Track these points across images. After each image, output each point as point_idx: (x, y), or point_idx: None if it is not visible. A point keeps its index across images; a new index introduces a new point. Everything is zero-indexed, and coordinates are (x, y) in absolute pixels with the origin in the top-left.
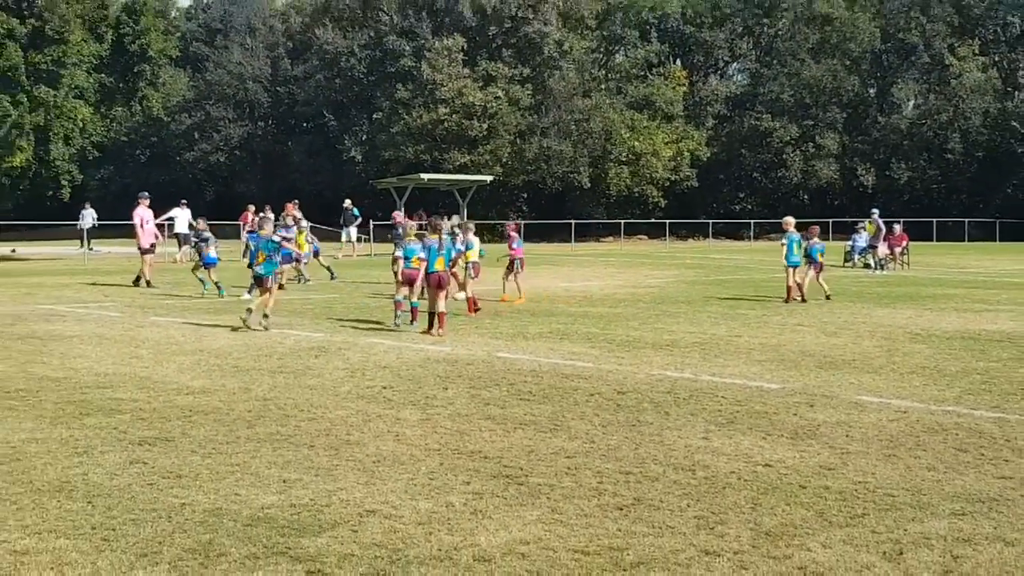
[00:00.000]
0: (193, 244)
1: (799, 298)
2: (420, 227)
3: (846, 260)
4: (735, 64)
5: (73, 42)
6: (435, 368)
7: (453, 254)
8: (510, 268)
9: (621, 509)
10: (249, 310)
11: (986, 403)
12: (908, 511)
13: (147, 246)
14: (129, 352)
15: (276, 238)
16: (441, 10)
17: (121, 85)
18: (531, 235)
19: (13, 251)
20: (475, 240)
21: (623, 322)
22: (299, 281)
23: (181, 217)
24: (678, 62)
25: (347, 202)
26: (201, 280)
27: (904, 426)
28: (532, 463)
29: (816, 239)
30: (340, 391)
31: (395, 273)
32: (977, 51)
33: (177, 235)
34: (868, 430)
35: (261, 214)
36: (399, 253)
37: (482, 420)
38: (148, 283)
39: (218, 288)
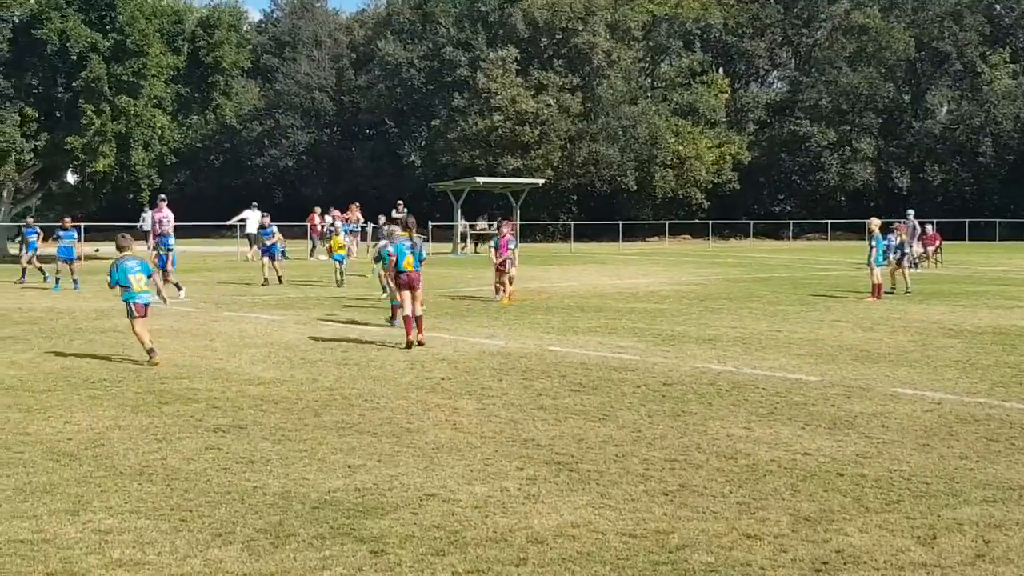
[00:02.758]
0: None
1: (892, 290)
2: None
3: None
4: (775, 72)
5: (152, 55)
6: (490, 361)
7: (424, 256)
8: (502, 268)
9: (667, 495)
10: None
11: (1017, 395)
12: (941, 498)
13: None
14: (204, 345)
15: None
16: (495, 23)
17: (196, 95)
18: (580, 235)
19: (96, 250)
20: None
21: (668, 317)
22: (337, 284)
23: (252, 218)
24: (720, 70)
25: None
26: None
27: (937, 417)
28: (582, 451)
29: (900, 236)
30: (401, 382)
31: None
32: (1008, 59)
33: (248, 235)
34: (903, 421)
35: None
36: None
37: (535, 410)
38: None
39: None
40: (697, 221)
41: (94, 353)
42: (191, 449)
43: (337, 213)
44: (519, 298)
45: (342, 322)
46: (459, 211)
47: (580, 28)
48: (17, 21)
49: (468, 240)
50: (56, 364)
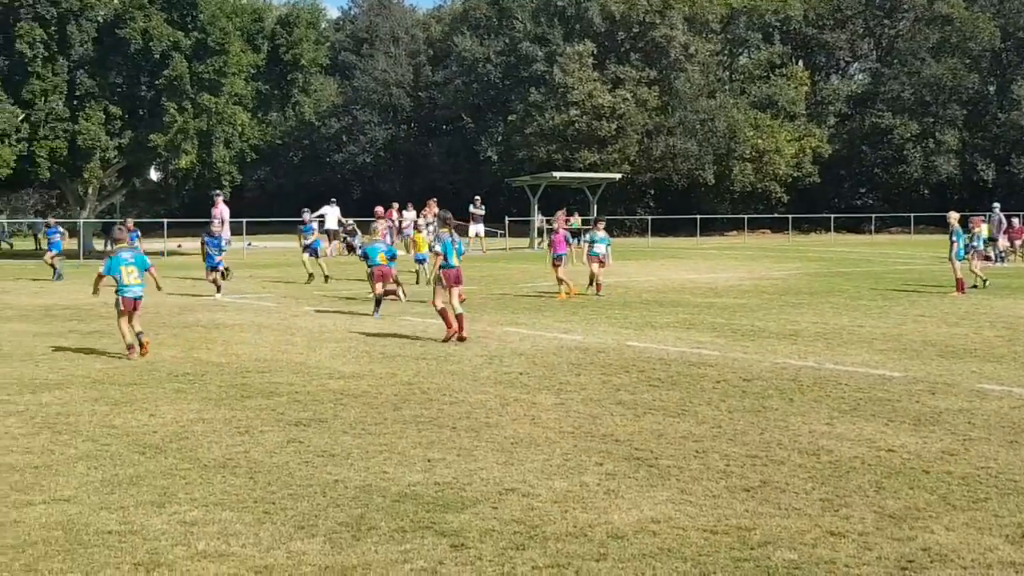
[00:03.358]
0: (342, 239)
1: (974, 286)
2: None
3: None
4: (856, 64)
5: (233, 53)
6: (568, 356)
7: (464, 250)
8: (558, 264)
9: (748, 491)
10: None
11: None
12: None
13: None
14: (285, 339)
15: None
16: (572, 17)
17: (276, 92)
18: (658, 230)
19: (179, 246)
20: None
21: (748, 312)
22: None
23: (331, 214)
24: (800, 63)
25: (476, 199)
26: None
27: None
28: (662, 446)
29: (980, 228)
30: (479, 376)
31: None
32: None
33: (327, 231)
34: (990, 417)
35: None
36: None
37: (613, 405)
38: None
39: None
40: (776, 215)
41: (178, 347)
42: (273, 442)
43: (432, 204)
44: (577, 295)
45: (420, 317)
46: (536, 206)
47: (657, 21)
48: (102, 21)
49: (545, 235)
50: (142, 358)
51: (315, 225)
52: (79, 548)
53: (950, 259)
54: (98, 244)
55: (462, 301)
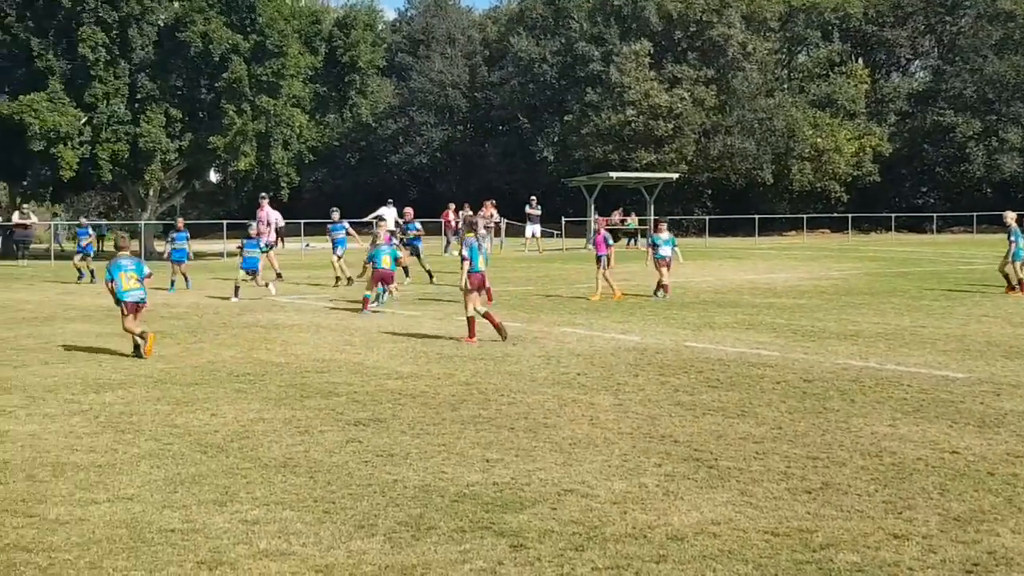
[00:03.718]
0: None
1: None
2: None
3: None
4: (917, 61)
5: (291, 55)
6: (626, 356)
7: (488, 255)
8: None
9: (809, 493)
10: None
11: None
12: None
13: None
14: (343, 340)
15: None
16: (628, 17)
17: (333, 94)
18: (716, 229)
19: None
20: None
21: (807, 313)
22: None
23: (388, 215)
24: (860, 60)
25: (532, 199)
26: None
27: None
28: (721, 447)
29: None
30: (537, 377)
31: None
32: None
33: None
34: None
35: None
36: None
37: (672, 406)
38: (279, 275)
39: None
40: (836, 215)
41: (238, 347)
42: (333, 442)
43: (489, 205)
44: (612, 297)
45: (477, 317)
46: (592, 206)
47: (715, 20)
48: (162, 24)
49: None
50: (202, 358)
51: (346, 224)
52: (142, 546)
53: (1007, 259)
54: (159, 246)
55: (490, 301)
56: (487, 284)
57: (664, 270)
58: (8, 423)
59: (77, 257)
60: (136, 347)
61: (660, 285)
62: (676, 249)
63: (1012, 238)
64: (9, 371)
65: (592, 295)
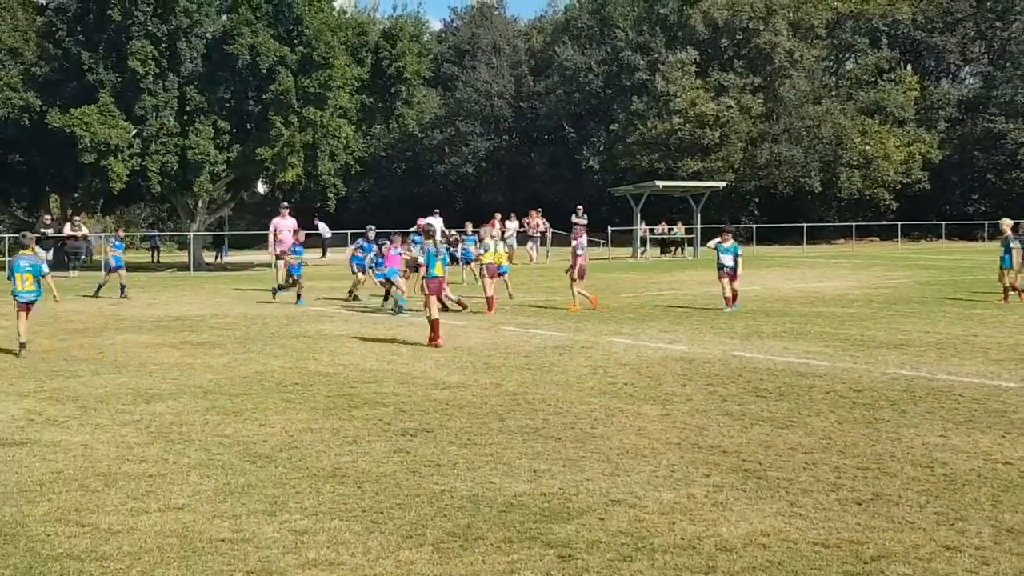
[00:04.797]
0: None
1: None
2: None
3: None
4: (967, 68)
5: (337, 67)
6: (673, 366)
7: (448, 261)
8: (580, 275)
9: (860, 504)
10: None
11: None
12: None
13: (277, 252)
14: (390, 350)
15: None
16: (674, 25)
17: (380, 105)
18: (763, 238)
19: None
20: (491, 243)
21: (857, 322)
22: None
23: (436, 225)
24: (909, 67)
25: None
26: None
27: None
28: (770, 458)
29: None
30: (584, 387)
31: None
32: None
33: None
34: None
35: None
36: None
37: (720, 416)
38: (275, 290)
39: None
40: (885, 222)
41: (286, 358)
42: (380, 452)
43: (535, 215)
44: (598, 306)
45: (524, 328)
46: (638, 215)
47: (761, 28)
48: (210, 38)
49: (648, 244)
50: (250, 368)
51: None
52: (193, 556)
53: (1002, 268)
54: (208, 257)
55: (463, 308)
56: (445, 289)
57: (725, 281)
58: (60, 433)
59: (112, 272)
60: (22, 345)
61: (725, 298)
62: (738, 258)
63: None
64: (60, 382)
65: (570, 306)
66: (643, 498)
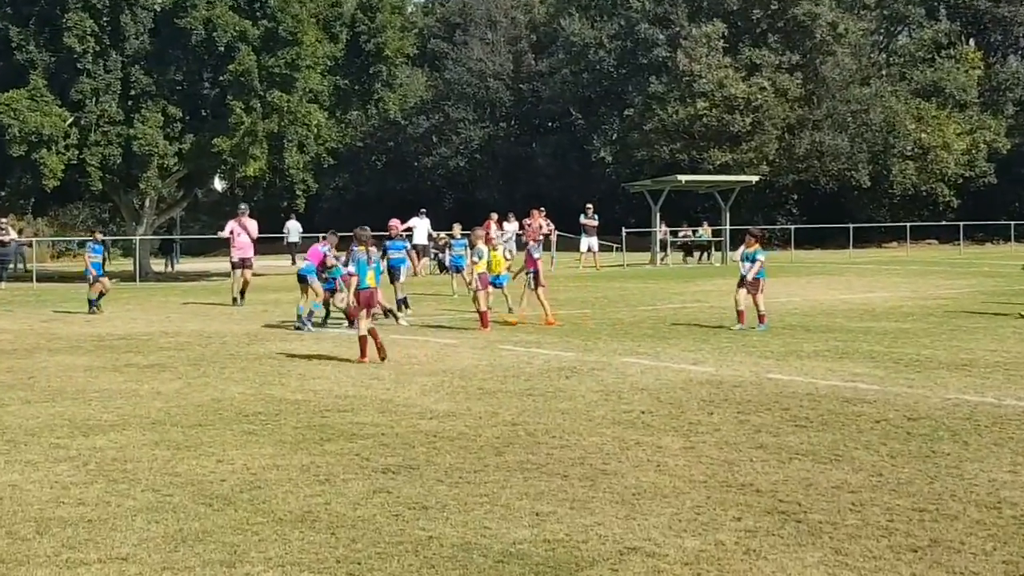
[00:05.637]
0: (433, 256)
1: None
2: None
3: None
4: None
5: (307, 43)
6: (698, 391)
7: (382, 269)
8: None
9: (915, 551)
10: None
11: None
12: None
13: (236, 260)
14: (369, 373)
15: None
16: None
17: (356, 87)
18: (803, 241)
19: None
20: (485, 249)
21: (912, 339)
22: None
23: (420, 227)
24: (971, 42)
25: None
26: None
27: None
28: (811, 498)
29: None
30: (594, 416)
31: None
32: None
33: (416, 247)
34: None
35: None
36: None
37: (753, 449)
38: (235, 300)
39: None
40: (944, 222)
41: (248, 382)
42: (357, 492)
43: (537, 215)
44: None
45: (524, 347)
46: (657, 215)
47: None
48: (159, 10)
49: (668, 249)
50: (206, 395)
51: (406, 244)
52: None
53: None
54: (156, 265)
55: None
56: (380, 299)
57: (741, 293)
58: None
59: (94, 281)
60: None
61: (738, 311)
62: (753, 265)
63: None
64: None
65: (544, 319)
66: (663, 545)
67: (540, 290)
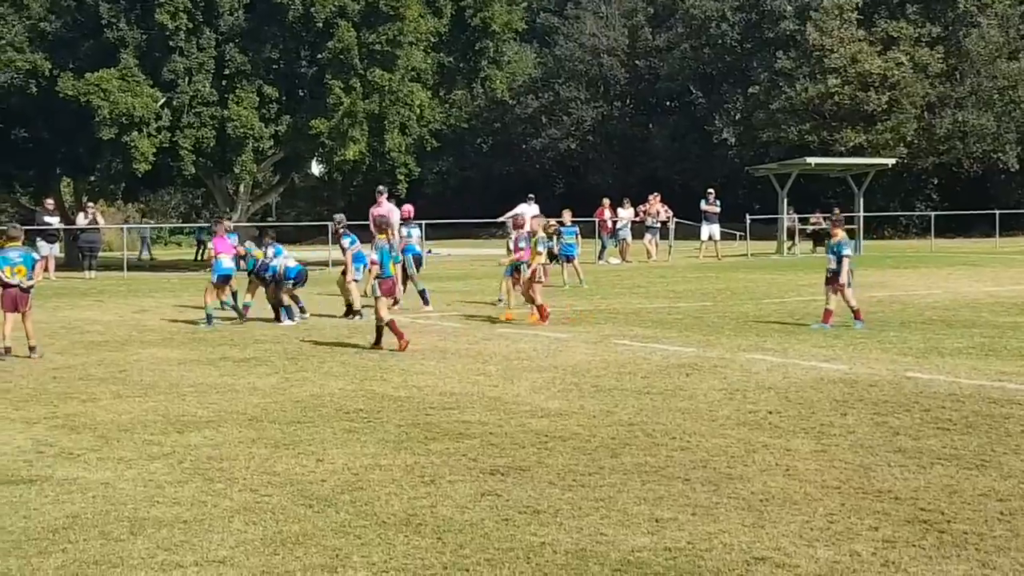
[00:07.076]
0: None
1: None
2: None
3: None
4: None
5: (409, 18)
6: (830, 390)
7: (400, 259)
8: (532, 276)
9: None
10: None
11: None
12: None
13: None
14: (475, 368)
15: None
16: None
17: (461, 65)
18: (943, 229)
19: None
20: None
21: None
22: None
23: (528, 213)
24: None
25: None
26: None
27: None
28: (955, 506)
29: None
30: (717, 416)
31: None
32: None
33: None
34: None
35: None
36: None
37: (890, 453)
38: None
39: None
40: None
41: (348, 377)
42: (464, 495)
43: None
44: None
45: (641, 342)
46: (784, 200)
47: None
48: None
49: (796, 238)
50: (305, 391)
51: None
52: None
53: None
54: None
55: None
56: (395, 293)
57: (829, 290)
58: (77, 469)
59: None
60: (6, 348)
61: (825, 310)
62: (843, 259)
63: None
64: (76, 406)
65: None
66: (793, 555)
67: (533, 286)
